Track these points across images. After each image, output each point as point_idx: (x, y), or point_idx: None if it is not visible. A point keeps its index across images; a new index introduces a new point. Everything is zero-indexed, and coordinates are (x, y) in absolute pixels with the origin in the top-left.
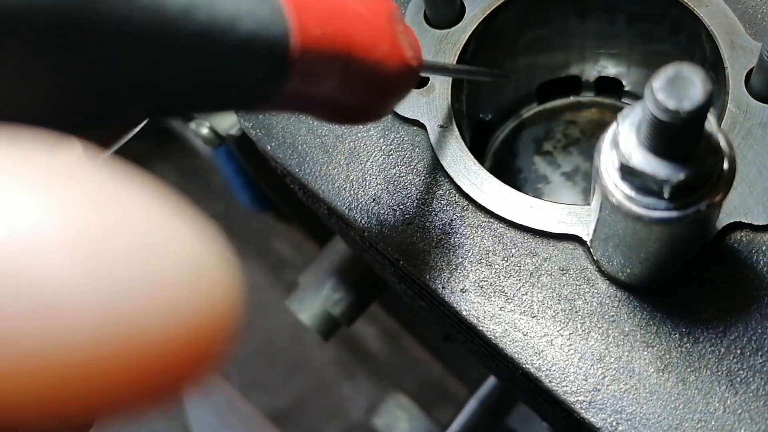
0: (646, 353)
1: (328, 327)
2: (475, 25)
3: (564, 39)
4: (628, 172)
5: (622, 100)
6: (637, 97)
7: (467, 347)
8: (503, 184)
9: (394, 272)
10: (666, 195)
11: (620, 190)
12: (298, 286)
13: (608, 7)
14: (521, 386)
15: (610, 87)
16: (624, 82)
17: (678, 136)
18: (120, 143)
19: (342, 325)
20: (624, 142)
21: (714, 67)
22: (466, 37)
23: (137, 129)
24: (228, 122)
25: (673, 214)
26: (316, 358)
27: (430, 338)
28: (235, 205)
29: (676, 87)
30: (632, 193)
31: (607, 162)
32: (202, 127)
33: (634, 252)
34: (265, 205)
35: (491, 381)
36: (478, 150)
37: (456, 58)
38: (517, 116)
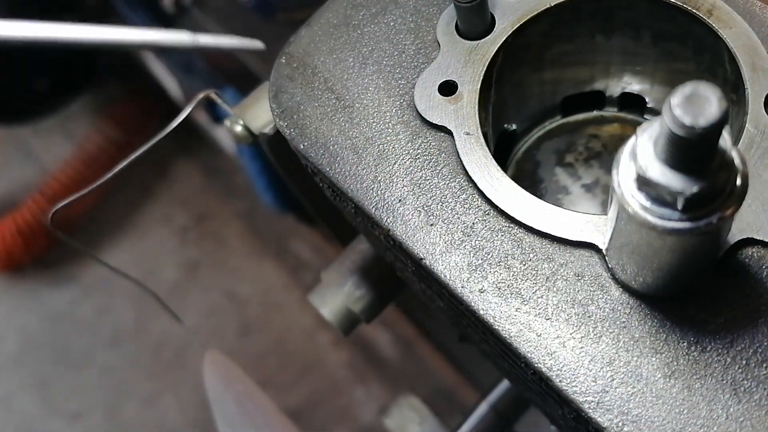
0: (654, 359)
1: (349, 323)
2: (504, 38)
3: (590, 54)
4: (644, 183)
5: (645, 116)
6: (659, 113)
7: (481, 348)
8: (525, 191)
9: (415, 271)
10: (679, 206)
11: (636, 200)
12: (321, 281)
13: (634, 25)
14: (532, 387)
15: (633, 103)
16: (647, 99)
17: (693, 151)
18: (150, 144)
19: (361, 321)
20: (642, 154)
21: (735, 87)
22: (495, 49)
23: (168, 130)
24: (261, 120)
25: (686, 225)
26: (330, 361)
27: (443, 345)
28: (258, 206)
29: (693, 104)
30: (647, 204)
31: (625, 173)
32: (236, 125)
33: (648, 261)
34: (287, 206)
35: (502, 386)
36: (501, 158)
37: (485, 69)
38: (540, 127)
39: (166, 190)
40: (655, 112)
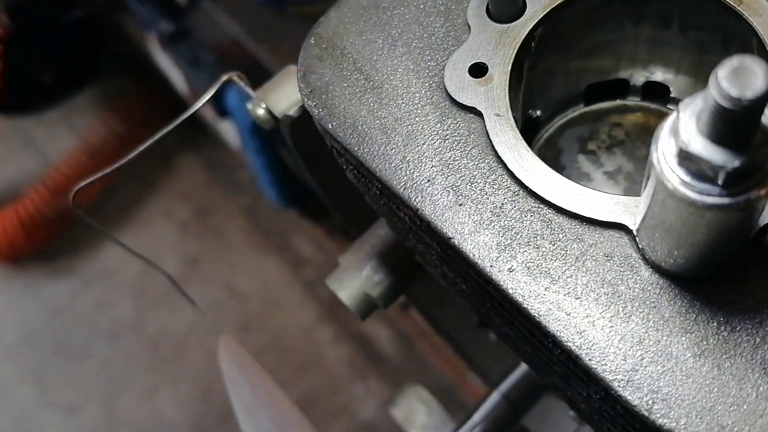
0: (684, 339)
1: (366, 307)
2: (535, 22)
3: (617, 42)
4: (685, 158)
5: (668, 105)
6: None
7: (502, 331)
8: (554, 172)
9: (440, 254)
10: (720, 181)
11: (676, 176)
12: (338, 266)
13: (664, 13)
14: (556, 369)
15: (656, 92)
16: (671, 88)
17: (737, 125)
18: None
19: (379, 306)
20: (684, 129)
21: None
22: (526, 32)
23: (191, 111)
24: (283, 104)
25: (725, 200)
26: (329, 357)
27: (452, 338)
28: (260, 201)
29: (740, 76)
30: (687, 179)
31: (665, 149)
32: (258, 108)
33: (682, 240)
34: (290, 202)
35: (514, 376)
36: None
37: (515, 52)
38: (563, 115)
39: (169, 183)
40: (679, 102)
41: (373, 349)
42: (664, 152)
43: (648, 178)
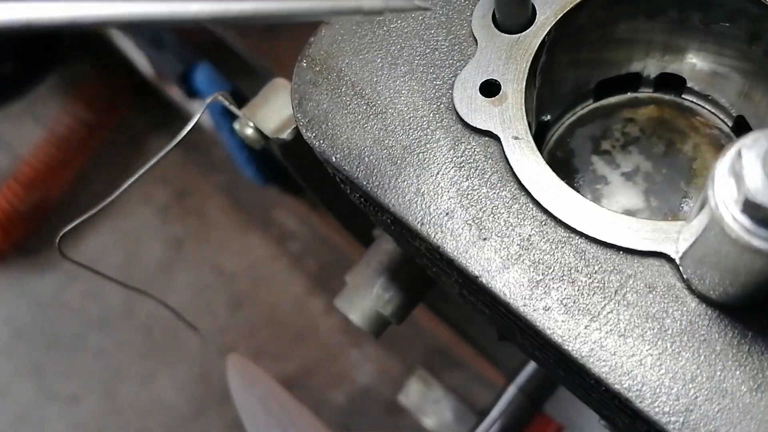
0: (738, 372)
1: (379, 327)
2: (548, 29)
3: (631, 35)
4: (751, 207)
5: (683, 96)
6: (697, 93)
7: (530, 352)
8: (583, 197)
9: (463, 283)
10: None
11: (739, 224)
12: (346, 285)
13: (682, 5)
14: (593, 396)
15: (670, 83)
16: (687, 79)
17: None
18: (158, 158)
19: (392, 323)
20: (750, 175)
21: None
22: (539, 42)
23: (178, 139)
24: (274, 122)
25: None
26: (322, 327)
27: (480, 345)
28: (239, 178)
29: None
30: (753, 227)
31: (725, 193)
32: (246, 127)
33: (736, 276)
34: (269, 180)
35: (530, 367)
36: None
37: (529, 65)
38: (572, 113)
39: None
40: (695, 93)
41: None
42: (723, 196)
43: (699, 210)
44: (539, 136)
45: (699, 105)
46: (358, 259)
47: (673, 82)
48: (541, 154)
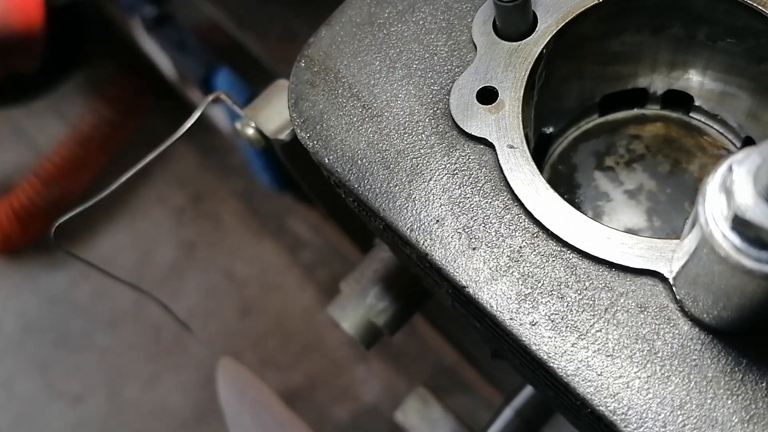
0: (730, 402)
1: (371, 337)
2: (548, 38)
3: (636, 50)
4: (741, 224)
5: (690, 114)
6: (705, 113)
7: (522, 371)
8: (577, 211)
9: (452, 294)
10: None
11: (729, 241)
12: (340, 293)
13: (688, 21)
14: (582, 420)
15: (677, 100)
16: (695, 97)
17: None
18: (158, 151)
19: (384, 335)
20: (740, 192)
21: None
22: (538, 51)
23: (178, 135)
24: (275, 123)
25: None
26: (330, 340)
27: (476, 361)
28: (255, 184)
29: None
30: (743, 246)
31: (715, 209)
32: (247, 128)
33: (729, 298)
34: (284, 187)
35: (528, 390)
36: (535, 163)
37: (527, 74)
38: (577, 127)
39: (162, 170)
40: (702, 111)
41: None
42: (713, 213)
43: (691, 228)
44: (542, 148)
45: (707, 124)
46: None
47: (680, 100)
48: (544, 167)
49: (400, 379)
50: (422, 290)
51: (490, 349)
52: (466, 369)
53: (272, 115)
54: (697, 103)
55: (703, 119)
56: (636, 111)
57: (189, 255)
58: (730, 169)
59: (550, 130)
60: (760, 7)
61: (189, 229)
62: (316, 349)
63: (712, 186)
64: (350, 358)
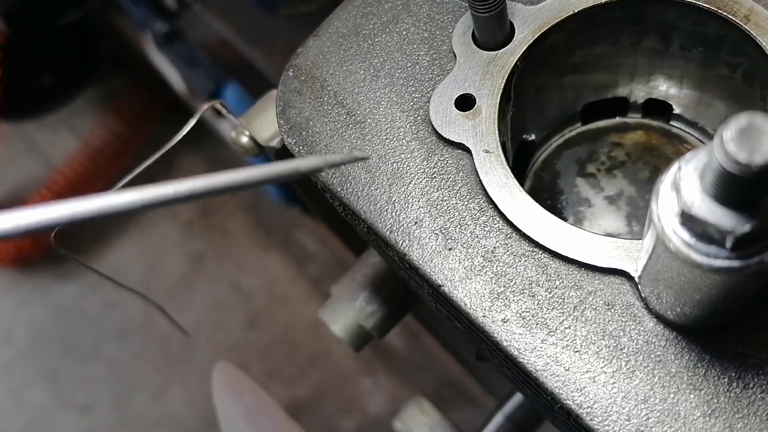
0: (692, 396)
1: (360, 339)
2: (525, 48)
3: (614, 59)
4: (689, 219)
5: (671, 123)
6: (686, 120)
7: (501, 371)
8: (549, 213)
9: (432, 294)
10: (728, 245)
11: (679, 237)
12: (331, 296)
13: (664, 30)
14: (557, 417)
15: (658, 109)
16: (674, 105)
17: (746, 188)
18: (158, 155)
19: (374, 337)
20: (686, 188)
21: None
22: (515, 60)
23: (176, 140)
24: (268, 132)
25: (735, 263)
26: (336, 352)
27: (462, 358)
28: (262, 198)
29: (749, 138)
30: (692, 241)
31: (666, 206)
32: (242, 136)
33: (687, 294)
34: (292, 200)
35: (519, 396)
36: (519, 169)
37: (504, 82)
38: (560, 135)
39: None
40: (682, 119)
41: (380, 343)
42: (664, 209)
43: (648, 228)
44: (526, 156)
45: (687, 132)
46: None
47: (661, 109)
48: (528, 174)
49: (405, 392)
50: (410, 294)
51: (475, 351)
52: (471, 381)
53: (265, 123)
54: (676, 112)
55: (683, 127)
56: (617, 119)
57: (197, 267)
58: (679, 167)
59: (533, 137)
60: (730, 16)
61: (197, 241)
62: (323, 361)
63: (665, 184)
64: (356, 370)
